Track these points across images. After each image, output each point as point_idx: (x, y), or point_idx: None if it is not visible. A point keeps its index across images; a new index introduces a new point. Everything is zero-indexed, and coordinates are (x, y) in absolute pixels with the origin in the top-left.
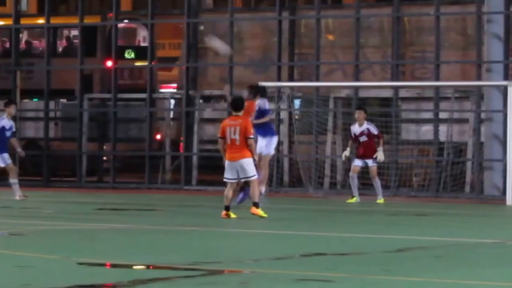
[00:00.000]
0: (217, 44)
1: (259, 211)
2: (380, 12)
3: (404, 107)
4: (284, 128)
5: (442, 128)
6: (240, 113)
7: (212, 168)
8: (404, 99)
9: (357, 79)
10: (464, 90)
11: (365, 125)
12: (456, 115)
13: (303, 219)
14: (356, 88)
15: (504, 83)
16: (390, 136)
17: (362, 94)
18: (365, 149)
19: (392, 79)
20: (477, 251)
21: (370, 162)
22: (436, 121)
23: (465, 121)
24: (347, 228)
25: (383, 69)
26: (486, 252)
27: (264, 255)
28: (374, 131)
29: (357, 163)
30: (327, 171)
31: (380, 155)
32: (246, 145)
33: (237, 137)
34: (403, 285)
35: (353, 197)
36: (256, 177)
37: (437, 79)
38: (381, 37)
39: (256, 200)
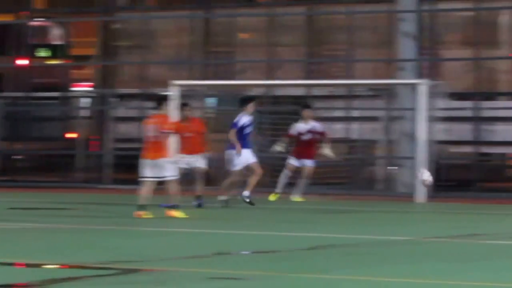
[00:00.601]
0: (426, 176)
1: (176, 213)
2: (294, 11)
3: (318, 105)
4: None
5: (354, 126)
6: (161, 111)
7: (126, 167)
8: (317, 97)
9: (271, 78)
10: (377, 88)
11: (312, 123)
12: (368, 113)
13: (218, 218)
14: (270, 86)
15: (416, 81)
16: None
17: (276, 92)
18: (305, 149)
19: (305, 78)
20: (388, 248)
21: (308, 162)
22: (348, 119)
23: (377, 119)
24: (262, 226)
25: (297, 67)
26: (397, 249)
27: (178, 253)
28: (320, 129)
29: (294, 162)
30: (243, 169)
31: (327, 151)
32: (166, 143)
33: (156, 134)
34: (314, 282)
35: (276, 193)
36: (174, 178)
37: (350, 77)
38: (295, 35)
39: (173, 202)
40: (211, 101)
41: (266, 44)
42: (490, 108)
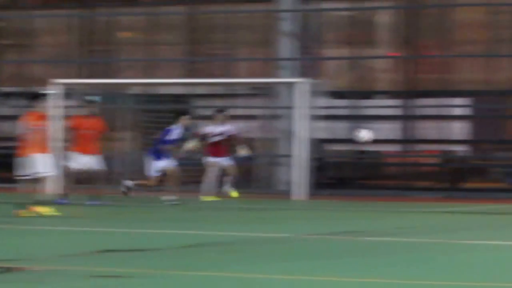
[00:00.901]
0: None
1: (44, 210)
2: (174, 10)
3: (200, 104)
4: None
5: (237, 124)
6: (36, 109)
7: (7, 165)
8: (198, 96)
9: (151, 76)
10: (257, 87)
11: (225, 126)
12: (249, 112)
13: (100, 216)
14: (151, 85)
15: (296, 79)
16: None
17: (159, 90)
18: (219, 149)
19: (186, 76)
20: (266, 245)
21: (224, 161)
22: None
23: (258, 117)
24: (143, 224)
25: (178, 66)
26: (275, 247)
27: (57, 252)
28: (232, 131)
29: (214, 160)
30: (128, 168)
31: (243, 151)
32: (41, 140)
33: (31, 131)
34: (190, 279)
35: (208, 196)
36: (49, 174)
37: (231, 76)
38: (176, 34)
39: (40, 198)
40: (93, 99)
41: (147, 42)
42: (368, 106)
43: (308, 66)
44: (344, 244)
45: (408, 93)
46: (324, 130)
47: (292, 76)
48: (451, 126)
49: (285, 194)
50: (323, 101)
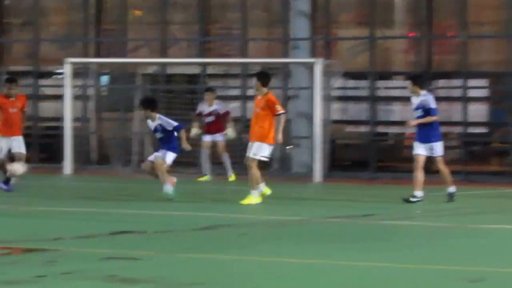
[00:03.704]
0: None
1: None
2: None
3: (212, 84)
4: (91, 105)
5: (250, 105)
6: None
7: None
8: (211, 76)
9: (164, 56)
10: (271, 67)
11: (214, 106)
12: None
13: (110, 197)
14: (163, 65)
15: (311, 60)
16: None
17: (170, 70)
18: (213, 127)
19: (199, 56)
20: (282, 228)
21: (218, 137)
22: (243, 98)
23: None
24: (156, 205)
25: (190, 46)
26: (291, 230)
27: (69, 234)
28: (222, 110)
29: (207, 138)
30: (135, 149)
31: (230, 131)
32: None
33: None
34: (208, 262)
35: (205, 175)
36: None
37: (244, 56)
38: (188, 13)
39: None
40: (103, 79)
41: (159, 21)
42: (385, 87)
43: (322, 46)
44: (359, 227)
45: (425, 74)
46: (340, 111)
47: (307, 56)
48: (469, 107)
49: (302, 176)
50: (338, 82)
